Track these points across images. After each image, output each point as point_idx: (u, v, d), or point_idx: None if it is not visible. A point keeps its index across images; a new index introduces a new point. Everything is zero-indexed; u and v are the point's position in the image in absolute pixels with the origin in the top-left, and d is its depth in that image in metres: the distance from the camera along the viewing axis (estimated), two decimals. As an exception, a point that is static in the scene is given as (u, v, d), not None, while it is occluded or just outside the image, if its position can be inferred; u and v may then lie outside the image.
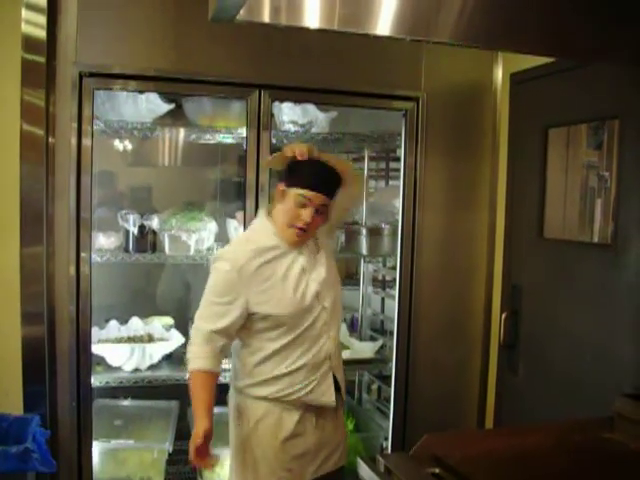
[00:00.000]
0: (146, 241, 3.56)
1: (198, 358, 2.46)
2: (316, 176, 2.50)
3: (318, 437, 2.61)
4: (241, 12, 1.79)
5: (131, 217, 3.53)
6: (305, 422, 2.57)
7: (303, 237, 2.53)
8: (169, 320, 3.96)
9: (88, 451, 3.27)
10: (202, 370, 2.45)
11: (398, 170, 3.73)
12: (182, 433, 3.79)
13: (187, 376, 2.53)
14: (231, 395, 2.71)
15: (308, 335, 2.53)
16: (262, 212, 2.66)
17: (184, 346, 3.71)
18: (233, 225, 3.66)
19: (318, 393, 2.57)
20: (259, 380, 2.54)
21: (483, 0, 2.00)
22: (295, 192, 2.48)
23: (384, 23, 1.94)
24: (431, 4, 1.96)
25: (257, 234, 2.60)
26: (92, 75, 3.10)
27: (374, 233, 3.99)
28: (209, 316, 2.48)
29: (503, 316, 3.45)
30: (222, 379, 3.29)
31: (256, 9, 1.82)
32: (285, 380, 2.52)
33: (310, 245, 2.63)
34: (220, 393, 3.45)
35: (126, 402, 3.99)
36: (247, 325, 2.52)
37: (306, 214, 2.47)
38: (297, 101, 3.61)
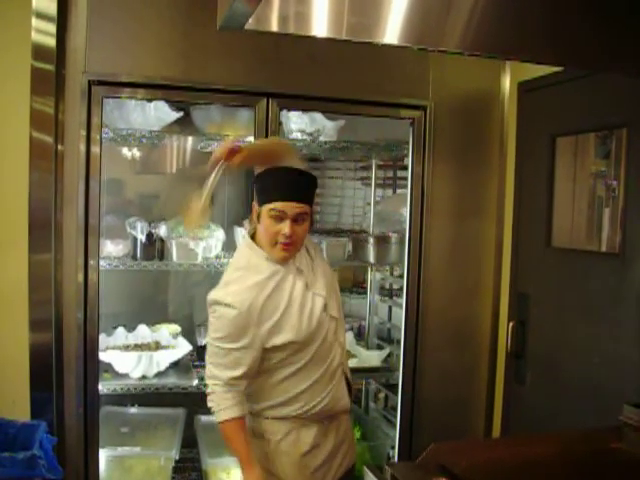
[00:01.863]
0: (154, 249, 3.57)
1: (225, 409, 2.37)
2: (282, 186, 2.38)
3: (334, 442, 2.60)
4: (250, 21, 1.80)
5: (139, 225, 3.54)
6: (321, 433, 2.55)
7: (291, 251, 2.42)
8: (176, 328, 3.97)
9: (95, 458, 3.27)
10: (231, 418, 2.38)
11: (405, 178, 3.73)
12: (189, 441, 3.80)
13: (216, 421, 2.43)
14: (249, 421, 2.57)
15: (322, 349, 2.48)
16: (246, 237, 2.56)
17: (191, 354, 3.74)
18: (241, 233, 3.66)
19: (335, 400, 2.55)
20: (278, 401, 2.48)
21: (491, 9, 1.99)
22: (267, 209, 2.37)
23: (392, 32, 1.94)
24: (439, 13, 1.96)
25: (250, 264, 2.46)
26: (101, 83, 3.12)
27: (381, 241, 3.99)
28: (226, 364, 2.38)
29: (510, 325, 3.44)
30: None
31: (264, 18, 1.82)
32: (304, 397, 2.47)
33: (304, 257, 2.55)
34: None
35: (133, 409, 4.00)
36: (263, 357, 2.43)
37: (285, 228, 2.35)
38: (305, 109, 3.62)
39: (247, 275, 2.42)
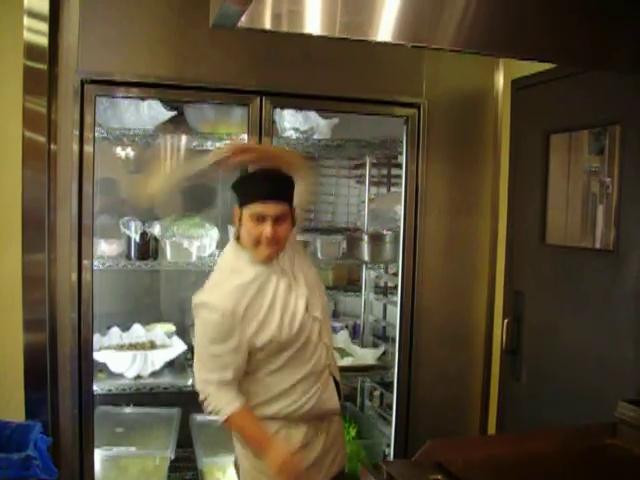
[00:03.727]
0: (148, 248, 3.56)
1: (225, 406, 2.38)
2: (261, 187, 2.40)
3: (324, 442, 2.59)
4: (242, 19, 1.80)
5: (133, 224, 3.53)
6: (311, 432, 2.55)
7: (275, 250, 2.43)
8: (171, 327, 3.96)
9: (90, 458, 3.26)
10: (235, 412, 2.38)
11: (400, 176, 3.73)
12: (184, 440, 3.80)
13: (221, 421, 2.43)
14: None
15: (305, 349, 2.49)
16: (231, 240, 2.58)
17: (186, 353, 3.73)
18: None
19: (323, 401, 2.55)
20: (263, 400, 2.49)
21: (484, 7, 2.00)
22: (247, 211, 2.39)
23: (385, 29, 1.94)
24: (432, 10, 1.96)
25: (234, 267, 2.49)
26: (94, 82, 3.11)
27: (376, 239, 3.99)
28: (215, 369, 2.39)
29: (505, 322, 3.44)
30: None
31: (257, 16, 1.82)
32: (289, 396, 2.48)
33: (287, 257, 2.54)
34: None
35: (128, 409, 4.00)
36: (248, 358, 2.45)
37: (266, 229, 2.36)
38: (298, 108, 3.62)
39: (231, 278, 2.44)
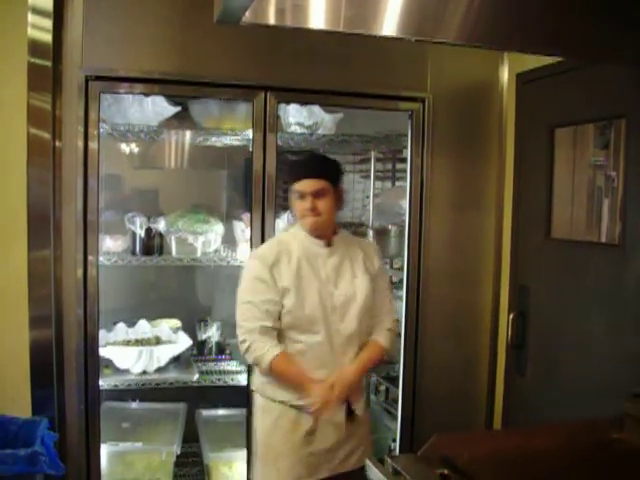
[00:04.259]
0: (153, 244, 3.57)
1: (269, 349, 2.53)
2: (300, 166, 2.71)
3: (336, 437, 2.66)
4: (246, 14, 1.79)
5: (138, 220, 3.54)
6: (321, 424, 2.62)
7: (318, 224, 2.64)
8: (176, 322, 3.97)
9: (96, 454, 3.27)
10: (278, 355, 2.53)
11: (404, 171, 3.72)
12: (190, 435, 3.81)
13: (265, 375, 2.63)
14: (255, 395, 2.79)
15: (321, 350, 2.58)
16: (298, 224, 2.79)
17: (192, 348, 3.74)
18: (240, 227, 3.66)
19: (325, 412, 2.60)
20: (270, 379, 2.62)
21: (489, 1, 1.99)
22: (292, 191, 2.67)
23: (390, 24, 1.93)
24: (437, 4, 1.96)
25: (287, 234, 2.77)
26: (98, 79, 3.11)
27: (381, 234, 3.99)
28: (256, 317, 2.56)
29: (510, 316, 3.44)
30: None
31: (261, 11, 1.82)
32: (293, 390, 2.58)
33: (345, 248, 2.72)
34: (234, 395, 3.49)
35: (134, 405, 4.01)
36: None
37: (305, 204, 2.61)
38: (303, 103, 3.61)
39: (279, 241, 2.75)
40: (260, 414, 2.74)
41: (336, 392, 2.54)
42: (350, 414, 2.70)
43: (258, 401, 2.75)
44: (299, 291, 2.58)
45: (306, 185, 2.61)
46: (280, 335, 2.62)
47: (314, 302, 2.59)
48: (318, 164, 2.71)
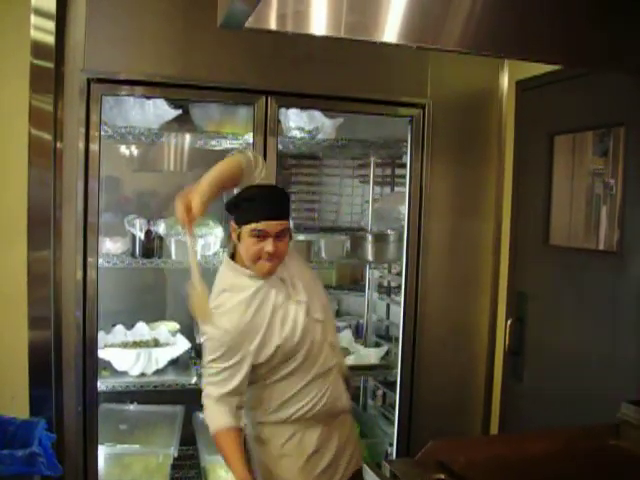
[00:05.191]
0: (152, 246, 3.57)
1: (216, 419, 2.40)
2: (263, 207, 2.38)
3: (338, 442, 2.61)
4: (249, 19, 1.81)
5: (138, 222, 3.54)
6: (326, 433, 2.57)
7: (275, 264, 2.42)
8: (175, 325, 3.97)
9: (94, 455, 3.27)
10: (224, 428, 2.38)
11: (404, 176, 3.73)
12: (187, 438, 3.81)
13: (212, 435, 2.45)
14: (249, 431, 2.63)
15: (311, 352, 2.50)
16: (225, 259, 2.59)
17: (190, 351, 3.74)
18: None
19: (333, 400, 2.56)
20: (276, 405, 2.51)
21: (490, 8, 2.00)
22: (248, 229, 2.38)
23: (391, 30, 1.95)
24: (438, 12, 1.97)
25: (233, 285, 2.49)
26: (100, 81, 3.12)
27: (380, 239, 3.99)
28: (217, 382, 2.42)
29: (508, 323, 3.45)
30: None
31: (264, 16, 1.83)
32: (301, 398, 2.50)
33: (282, 267, 2.52)
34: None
35: (132, 407, 4.01)
36: (253, 369, 2.47)
37: (267, 246, 2.36)
38: (303, 107, 3.62)
39: (232, 295, 2.45)
40: (261, 448, 2.59)
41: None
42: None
43: (259, 435, 2.59)
44: (272, 333, 2.42)
45: (271, 226, 2.35)
46: (258, 382, 2.50)
47: (289, 330, 2.44)
48: (282, 202, 2.44)
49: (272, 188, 2.48)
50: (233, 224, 2.46)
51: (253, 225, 2.36)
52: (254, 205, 2.39)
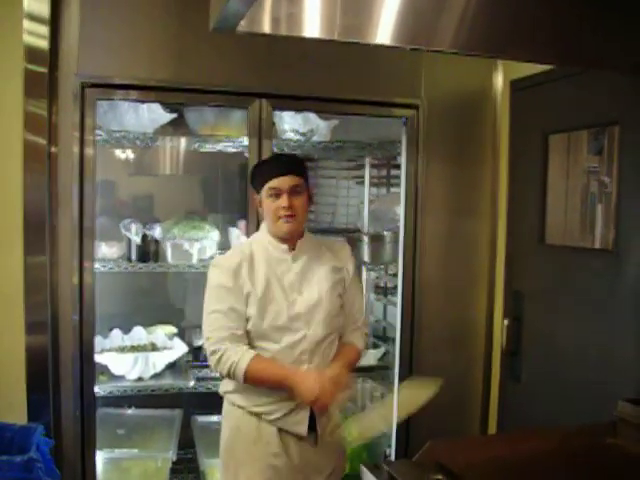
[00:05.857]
0: (148, 250, 3.57)
1: (243, 355, 2.39)
2: (272, 165, 2.56)
3: (300, 458, 2.54)
4: (242, 22, 1.81)
5: (133, 226, 3.53)
6: (285, 439, 2.51)
7: (294, 224, 2.50)
8: (172, 329, 3.96)
9: (92, 460, 3.27)
10: (253, 358, 2.39)
11: (399, 177, 3.74)
12: (186, 442, 3.80)
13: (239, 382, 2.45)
14: (223, 400, 2.66)
15: (281, 357, 2.46)
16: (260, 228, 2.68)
17: (187, 355, 3.73)
18: (235, 233, 3.66)
19: (290, 422, 2.49)
20: (235, 387, 2.52)
21: (483, 9, 2.00)
22: (265, 190, 2.51)
23: (384, 32, 1.95)
24: (431, 13, 1.97)
25: (248, 242, 2.67)
26: (94, 85, 3.12)
27: (376, 240, 3.99)
28: (225, 325, 2.44)
29: (505, 323, 3.45)
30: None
31: (257, 19, 1.83)
32: (257, 395, 2.48)
33: (310, 251, 2.58)
34: (213, 402, 3.48)
35: (129, 411, 3.99)
36: None
37: (282, 201, 2.47)
38: (298, 110, 3.62)
39: (242, 248, 2.59)
40: (225, 420, 2.63)
41: (326, 384, 2.37)
42: (312, 429, 2.53)
43: (224, 406, 2.63)
44: (260, 300, 2.45)
45: (283, 182, 2.47)
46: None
47: (274, 310, 2.46)
48: (292, 161, 2.59)
49: (283, 153, 2.66)
50: (254, 194, 2.60)
51: (268, 184, 2.49)
52: (266, 167, 2.58)
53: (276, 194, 2.48)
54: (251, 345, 2.48)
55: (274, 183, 2.47)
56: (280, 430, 2.50)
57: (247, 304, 2.46)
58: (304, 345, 2.49)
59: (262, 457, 2.50)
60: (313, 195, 2.65)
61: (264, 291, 2.47)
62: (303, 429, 2.50)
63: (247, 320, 2.46)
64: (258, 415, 2.50)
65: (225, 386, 2.59)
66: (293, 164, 2.54)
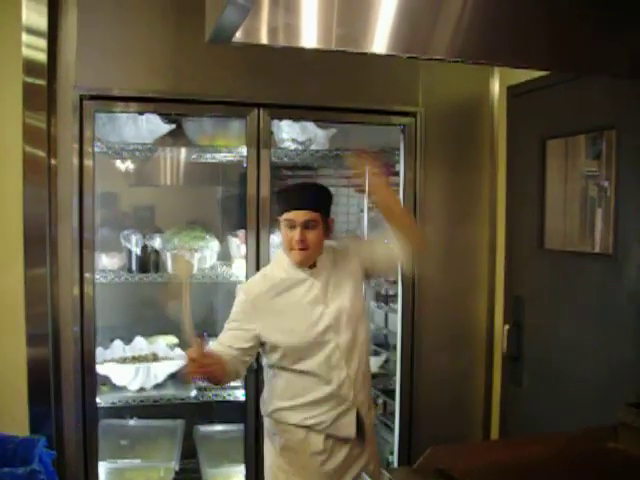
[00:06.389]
0: (149, 261, 3.57)
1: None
2: (291, 196, 2.62)
3: (345, 455, 2.66)
4: (238, 34, 1.81)
5: (134, 237, 3.54)
6: (331, 441, 2.63)
7: (306, 255, 2.59)
8: (173, 339, 3.96)
9: (94, 471, 3.27)
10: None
11: (397, 184, 3.74)
12: (188, 451, 3.80)
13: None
14: (265, 422, 2.78)
15: (321, 370, 2.57)
16: (280, 247, 2.80)
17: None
18: (235, 243, 3.67)
19: (338, 427, 2.62)
20: (281, 406, 2.62)
21: (478, 17, 2.01)
22: (282, 219, 2.61)
23: (380, 41, 1.96)
24: (427, 22, 1.98)
25: (272, 266, 2.75)
26: (92, 98, 3.13)
27: (376, 248, 3.99)
28: (228, 338, 2.56)
29: (506, 328, 3.46)
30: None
31: (253, 30, 1.83)
32: (307, 410, 2.59)
33: (328, 268, 2.67)
34: (232, 411, 3.49)
35: (132, 422, 4.00)
36: (266, 354, 2.64)
37: (294, 234, 2.55)
38: (296, 119, 3.63)
39: (267, 268, 2.76)
40: (269, 438, 2.74)
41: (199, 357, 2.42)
42: (359, 428, 2.66)
43: (267, 425, 2.75)
44: (285, 323, 2.56)
45: (297, 215, 2.56)
46: (276, 368, 2.64)
47: (301, 330, 2.56)
48: (311, 195, 2.64)
49: (305, 183, 2.75)
50: (278, 217, 2.68)
51: (284, 215, 2.60)
52: (285, 196, 2.65)
53: (291, 225, 2.57)
54: (284, 367, 2.60)
55: (290, 215, 2.57)
56: (327, 437, 2.62)
57: (266, 329, 2.56)
58: (337, 354, 2.59)
59: (311, 465, 2.63)
60: (332, 225, 2.73)
61: (286, 315, 2.58)
62: (352, 431, 2.64)
63: (271, 347, 2.58)
64: (308, 427, 2.60)
65: (272, 405, 2.66)
66: (311, 199, 2.61)
